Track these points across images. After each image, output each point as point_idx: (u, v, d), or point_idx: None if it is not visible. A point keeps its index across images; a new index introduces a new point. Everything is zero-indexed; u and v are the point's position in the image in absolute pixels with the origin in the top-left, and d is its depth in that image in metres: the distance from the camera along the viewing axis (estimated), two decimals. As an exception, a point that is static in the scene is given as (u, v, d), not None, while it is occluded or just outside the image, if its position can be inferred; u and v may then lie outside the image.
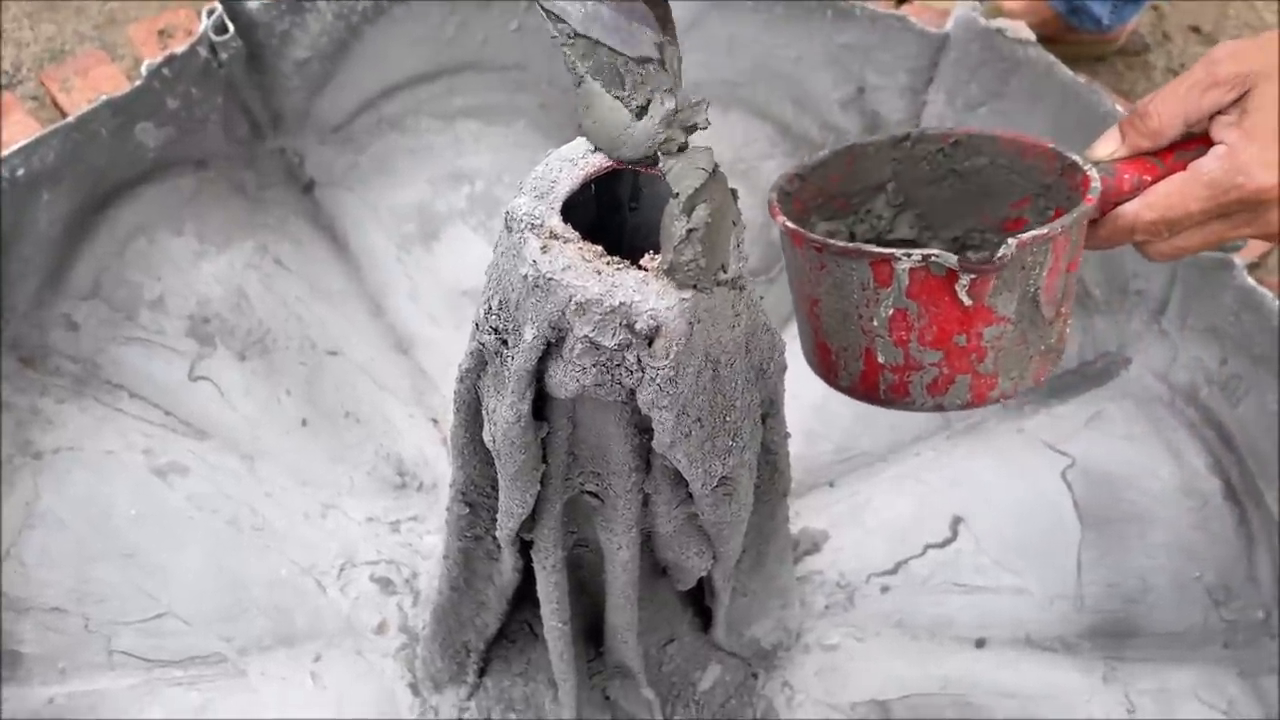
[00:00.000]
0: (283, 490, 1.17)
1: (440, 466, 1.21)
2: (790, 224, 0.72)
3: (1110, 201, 0.72)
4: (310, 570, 1.13)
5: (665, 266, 0.56)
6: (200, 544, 1.12)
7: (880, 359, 0.72)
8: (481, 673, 1.03)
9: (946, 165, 0.80)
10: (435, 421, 1.24)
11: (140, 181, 1.23)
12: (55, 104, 1.40)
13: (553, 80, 1.37)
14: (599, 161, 0.61)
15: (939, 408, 0.74)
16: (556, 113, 1.38)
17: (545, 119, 1.38)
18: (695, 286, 0.57)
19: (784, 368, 0.69)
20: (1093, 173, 0.72)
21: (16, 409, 1.16)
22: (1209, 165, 0.69)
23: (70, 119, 1.13)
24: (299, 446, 1.20)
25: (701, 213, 0.56)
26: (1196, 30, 1.75)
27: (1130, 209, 0.72)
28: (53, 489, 1.13)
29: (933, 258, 0.66)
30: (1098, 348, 1.27)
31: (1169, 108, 0.70)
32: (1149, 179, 0.72)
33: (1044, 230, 0.67)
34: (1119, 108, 1.18)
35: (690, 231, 0.55)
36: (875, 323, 0.71)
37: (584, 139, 0.62)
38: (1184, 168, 0.71)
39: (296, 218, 1.31)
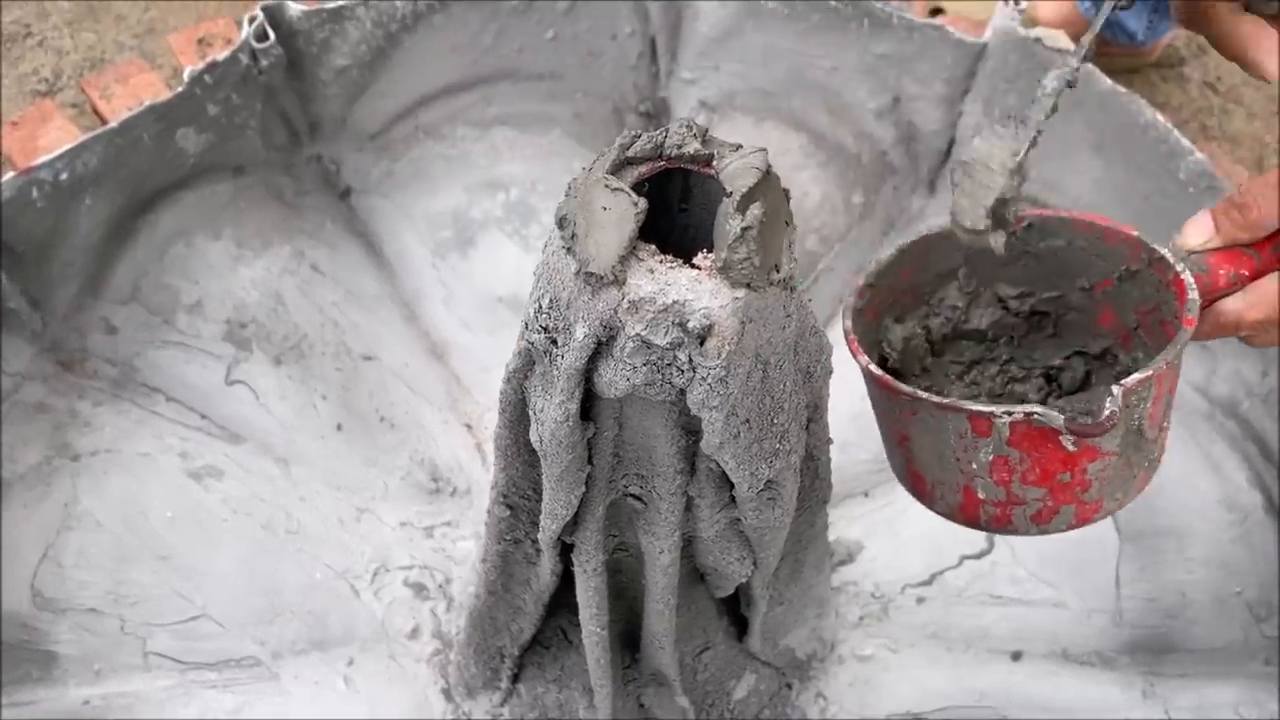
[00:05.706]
0: (317, 494, 1.17)
1: (474, 472, 1.21)
2: (878, 371, 0.70)
3: (1206, 298, 0.69)
4: (344, 574, 1.13)
5: (719, 264, 0.56)
6: (235, 547, 1.13)
7: (980, 495, 0.70)
8: (515, 679, 1.03)
9: (1020, 247, 0.77)
10: (469, 427, 1.24)
11: (179, 187, 1.24)
12: (95, 111, 1.41)
13: (587, 90, 1.38)
14: (650, 161, 0.61)
15: (1043, 533, 0.72)
16: (590, 122, 1.38)
17: (579, 128, 1.38)
18: (748, 285, 0.56)
19: (830, 371, 0.69)
20: (1188, 278, 0.69)
21: (55, 411, 1.17)
22: None
23: (113, 124, 1.14)
24: (333, 451, 1.20)
25: (755, 211, 0.55)
26: (1232, 43, 1.73)
27: (1233, 307, 0.70)
28: (90, 491, 1.13)
29: (1035, 416, 0.64)
30: (1135, 360, 1.25)
31: (1269, 201, 0.68)
32: (1246, 274, 0.70)
33: (1149, 371, 0.65)
34: (1159, 118, 1.17)
35: (745, 229, 0.55)
36: (975, 465, 0.69)
37: None
38: None
39: (333, 224, 1.32)
